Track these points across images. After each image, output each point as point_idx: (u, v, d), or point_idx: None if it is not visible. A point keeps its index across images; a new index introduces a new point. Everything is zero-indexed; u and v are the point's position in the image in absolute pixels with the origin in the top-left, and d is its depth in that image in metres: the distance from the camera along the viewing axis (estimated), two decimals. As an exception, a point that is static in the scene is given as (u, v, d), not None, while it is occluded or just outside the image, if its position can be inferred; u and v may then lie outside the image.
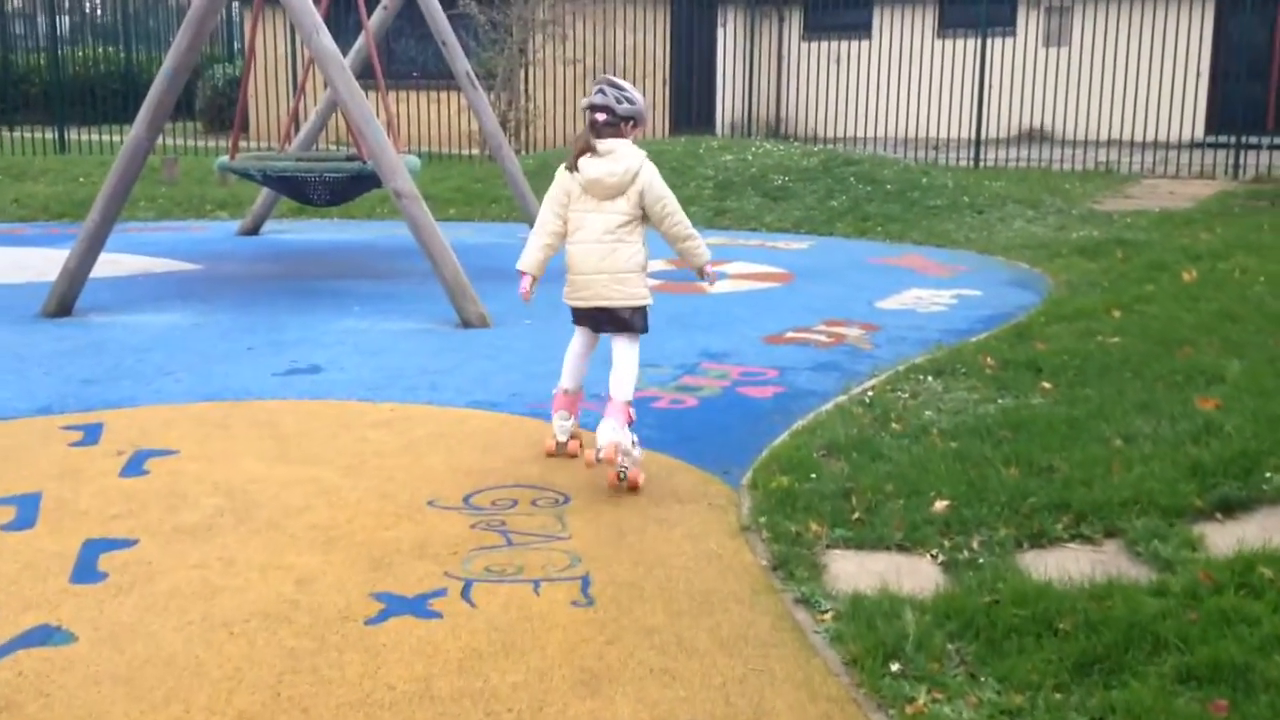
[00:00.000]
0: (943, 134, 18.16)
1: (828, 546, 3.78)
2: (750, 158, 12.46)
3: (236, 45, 26.37)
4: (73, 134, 16.95)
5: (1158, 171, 15.01)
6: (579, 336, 4.90)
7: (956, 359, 6.05)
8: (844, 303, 7.76)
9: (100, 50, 24.30)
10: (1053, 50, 20.31)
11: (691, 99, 21.17)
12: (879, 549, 3.76)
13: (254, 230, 10.78)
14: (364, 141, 7.17)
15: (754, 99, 21.23)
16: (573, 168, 4.58)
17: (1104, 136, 17.84)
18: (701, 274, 4.88)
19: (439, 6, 10.13)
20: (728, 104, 21.93)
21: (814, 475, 4.35)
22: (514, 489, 4.35)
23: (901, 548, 3.76)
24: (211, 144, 17.95)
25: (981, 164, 15.85)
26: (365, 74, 9.68)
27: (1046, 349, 6.12)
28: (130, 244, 10.20)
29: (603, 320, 4.73)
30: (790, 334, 6.91)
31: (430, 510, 4.12)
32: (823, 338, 6.81)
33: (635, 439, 4.47)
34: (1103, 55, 17.87)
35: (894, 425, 4.98)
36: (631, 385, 4.59)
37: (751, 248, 10.01)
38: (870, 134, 18.47)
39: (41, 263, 9.05)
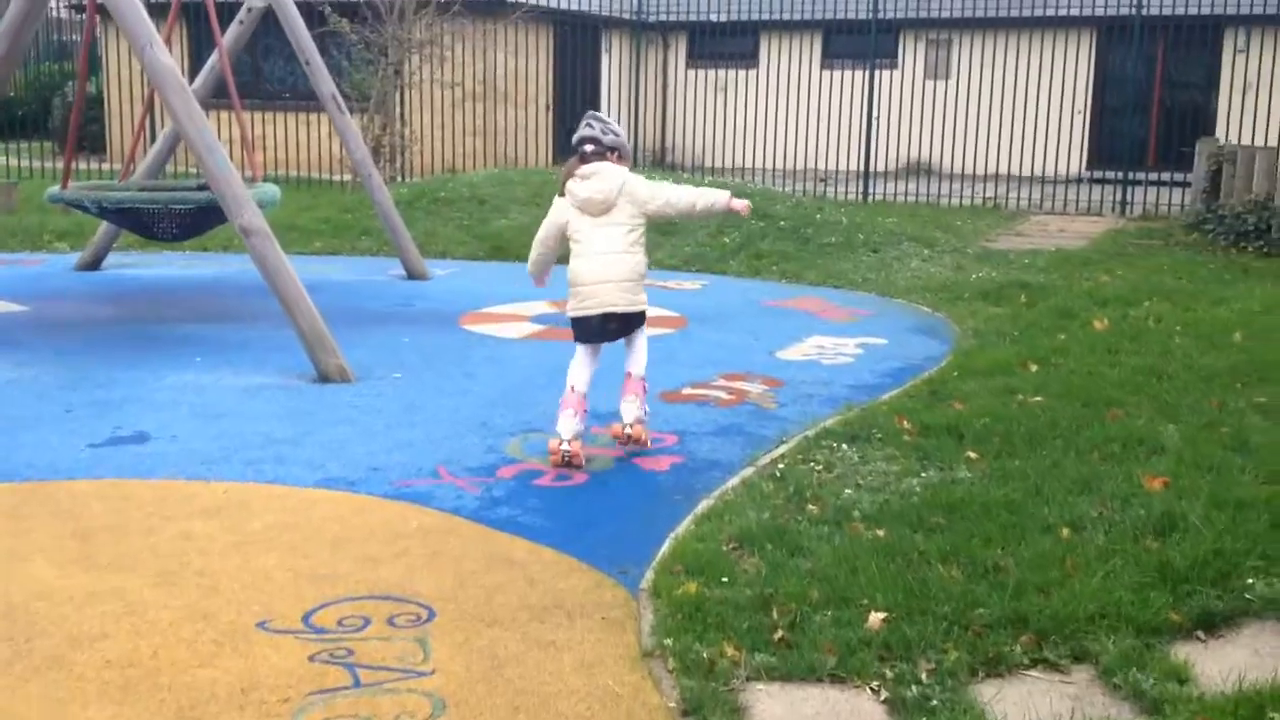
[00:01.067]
0: (830, 165, 17.90)
1: (748, 679, 3.13)
2: (638, 190, 11.84)
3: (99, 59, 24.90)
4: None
5: (1044, 207, 14.90)
6: (583, 355, 5.29)
7: (870, 421, 5.49)
8: (742, 353, 7.17)
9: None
10: (936, 83, 20.29)
11: (576, 126, 20.54)
12: (809, 681, 3.12)
13: (94, 265, 9.76)
14: (205, 170, 6.34)
15: (639, 127, 20.72)
16: (563, 193, 5.17)
17: (987, 171, 17.76)
18: (737, 209, 5.20)
19: (302, 23, 9.32)
20: (612, 131, 21.35)
21: (725, 578, 3.70)
22: (367, 601, 3.61)
23: (836, 678, 3.13)
24: (61, 165, 16.67)
25: (871, 198, 15.56)
26: (224, 93, 8.84)
27: (966, 410, 5.61)
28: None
29: (609, 327, 5.20)
30: (688, 390, 6.29)
31: (260, 635, 3.35)
32: (723, 394, 6.20)
33: (647, 409, 5.32)
34: (985, 89, 17.82)
35: (810, 507, 4.38)
36: (645, 364, 5.34)
37: (647, 286, 9.37)
38: (757, 164, 18.11)
39: None
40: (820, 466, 4.94)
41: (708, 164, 19.46)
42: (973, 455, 4.99)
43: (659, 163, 21.41)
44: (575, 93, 20.42)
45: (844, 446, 5.18)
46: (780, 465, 4.94)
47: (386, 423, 5.61)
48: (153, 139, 16.03)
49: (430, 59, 15.67)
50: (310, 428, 5.49)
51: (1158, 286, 8.82)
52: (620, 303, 5.11)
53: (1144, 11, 16.07)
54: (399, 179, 15.31)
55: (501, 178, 12.41)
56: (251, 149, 8.60)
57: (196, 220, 7.87)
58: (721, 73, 21.37)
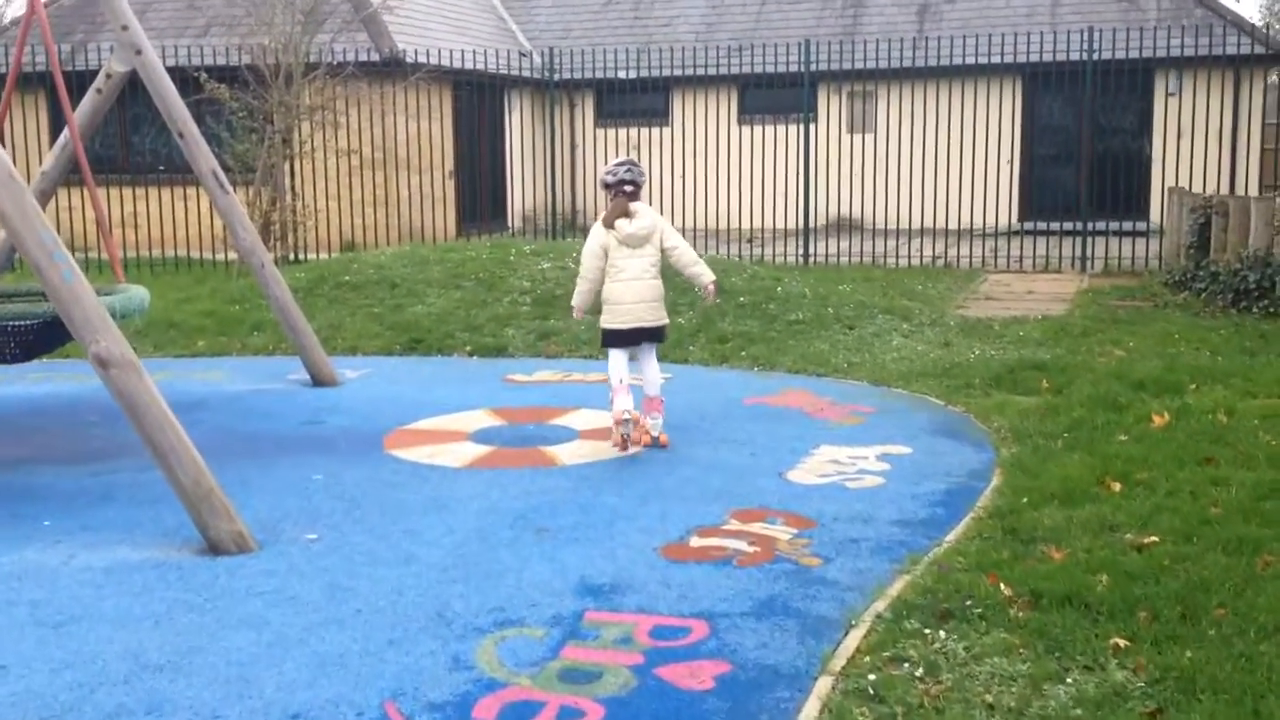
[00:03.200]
0: (754, 225, 16.80)
1: None
2: (570, 264, 10.46)
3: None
4: None
5: (995, 264, 13.92)
6: (621, 353, 6.43)
7: (955, 586, 4.16)
8: (745, 475, 5.79)
9: None
10: (858, 136, 19.40)
11: (479, 191, 19.15)
12: None
13: (-78, 385, 8.00)
14: (46, 285, 4.77)
15: (548, 189, 19.39)
16: (610, 226, 6.25)
17: (915, 225, 16.83)
18: (706, 291, 6.57)
19: (173, 90, 7.78)
20: (519, 195, 20.03)
21: None
22: None
23: None
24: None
25: (812, 259, 14.42)
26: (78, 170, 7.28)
27: (1069, 561, 4.33)
28: None
29: (632, 337, 6.35)
30: (696, 541, 4.88)
31: None
32: (744, 546, 4.80)
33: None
34: (909, 141, 16.94)
35: (945, 758, 3.00)
36: (659, 382, 6.49)
37: (596, 385, 7.97)
38: (675, 225, 16.90)
39: None
40: (921, 670, 3.58)
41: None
42: (1121, 643, 3.68)
43: (569, 225, 20.09)
44: (478, 156, 19.02)
45: (939, 633, 3.83)
46: (868, 674, 3.56)
47: (306, 622, 4.09)
48: None
49: (322, 125, 14.16)
50: (198, 640, 3.94)
51: (1189, 364, 7.71)
52: (649, 318, 6.38)
53: (1070, 56, 15.33)
54: (292, 257, 13.70)
55: (414, 256, 10.92)
56: (109, 240, 6.99)
57: (44, 337, 6.24)
58: (632, 131, 20.22)
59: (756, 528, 5.02)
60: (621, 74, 19.61)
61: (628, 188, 6.31)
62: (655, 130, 19.96)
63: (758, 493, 5.52)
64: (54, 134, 18.24)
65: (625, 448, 6.25)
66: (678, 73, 19.18)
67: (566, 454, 6.26)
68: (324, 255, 14.22)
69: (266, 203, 13.47)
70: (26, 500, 5.57)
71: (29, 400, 7.73)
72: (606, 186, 6.39)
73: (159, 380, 8.35)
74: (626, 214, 6.27)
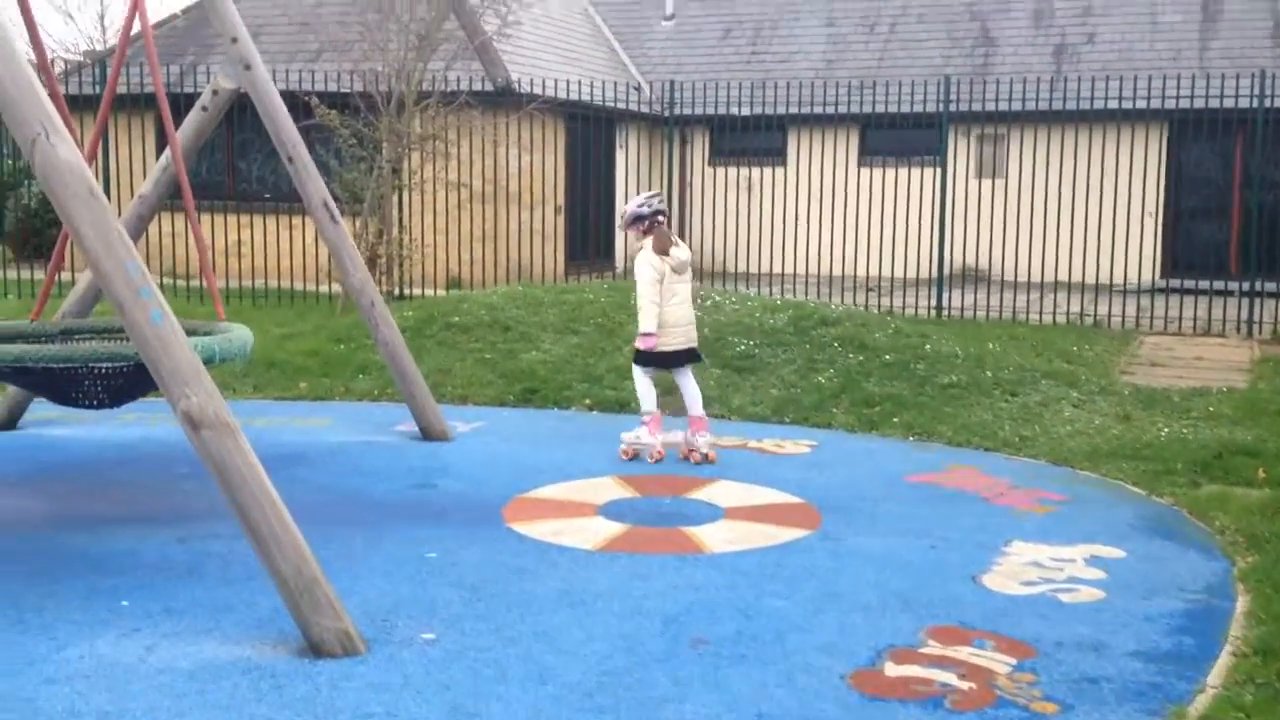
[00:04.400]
0: (875, 271, 15.86)
1: None
2: (696, 311, 9.64)
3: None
4: None
5: (1148, 325, 12.77)
6: (651, 376, 7.06)
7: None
8: (931, 577, 4.88)
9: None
10: (986, 182, 18.34)
11: (588, 229, 18.49)
12: None
13: (9, 423, 7.43)
14: (128, 326, 4.07)
15: (656, 229, 18.63)
16: (664, 254, 6.88)
17: (1047, 278, 15.72)
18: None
19: (285, 111, 7.16)
20: (626, 235, 19.30)
21: None
22: None
23: None
24: (12, 276, 14.41)
25: (945, 312, 13.43)
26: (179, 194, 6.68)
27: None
28: None
29: (682, 358, 7.03)
30: (891, 667, 3.98)
31: None
32: (953, 679, 3.89)
33: None
34: (1043, 188, 15.85)
35: None
36: (700, 399, 7.01)
37: (733, 450, 7.12)
38: (788, 270, 16.04)
39: None
40: None
41: (731, 268, 17.39)
42: None
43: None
44: (588, 193, 18.38)
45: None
46: None
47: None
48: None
49: (433, 155, 13.59)
50: (295, 788, 3.15)
51: None
52: (693, 339, 7.07)
53: (1224, 102, 14.15)
54: (398, 293, 13.10)
55: (526, 297, 10.19)
56: (209, 273, 6.34)
57: (138, 382, 5.57)
58: (746, 170, 19.42)
59: (963, 653, 4.11)
60: (737, 110, 18.89)
61: (660, 218, 6.96)
62: (771, 170, 19.10)
63: (952, 603, 4.60)
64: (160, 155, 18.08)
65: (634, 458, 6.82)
66: (796, 110, 18.38)
67: (714, 538, 5.40)
68: (429, 291, 13.62)
69: (373, 235, 12.91)
70: (106, 570, 4.88)
71: (117, 445, 7.09)
72: (640, 219, 6.93)
73: (258, 427, 7.73)
74: (674, 244, 6.93)
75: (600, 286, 10.77)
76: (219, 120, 7.32)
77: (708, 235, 19.06)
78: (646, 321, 6.78)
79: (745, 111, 18.72)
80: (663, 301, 6.78)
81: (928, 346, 8.99)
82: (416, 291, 13.41)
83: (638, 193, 18.87)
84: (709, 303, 9.86)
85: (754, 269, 16.62)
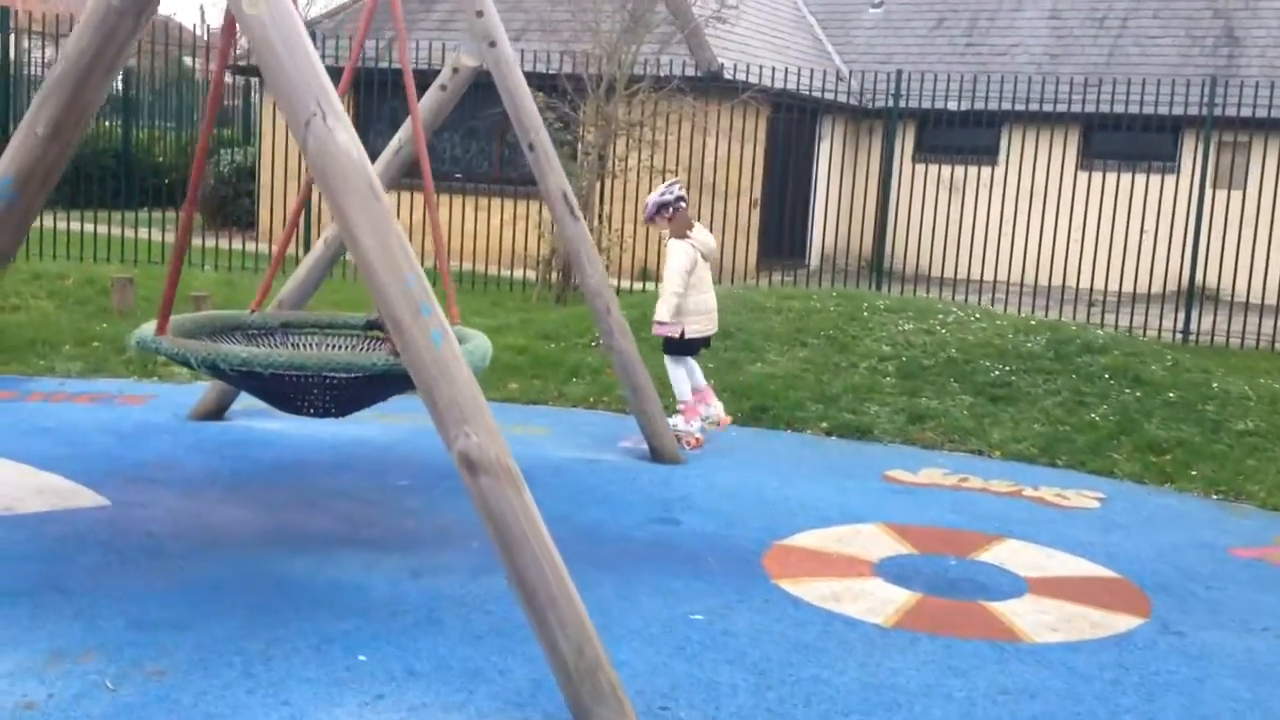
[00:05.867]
0: (1096, 285, 14.60)
1: None
2: (938, 328, 8.75)
3: (254, 124, 23.12)
4: (40, 220, 13.29)
5: None
6: (684, 365, 7.05)
7: None
8: (1324, 703, 3.94)
9: (95, 126, 20.97)
10: (1221, 192, 16.79)
11: (783, 225, 17.64)
12: None
13: (217, 412, 7.04)
14: (400, 336, 3.44)
15: (854, 228, 17.66)
16: (683, 237, 6.91)
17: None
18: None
19: (528, 94, 6.54)
20: (821, 232, 18.40)
21: None
22: None
23: None
24: (210, 244, 14.35)
25: (1196, 337, 12.15)
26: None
27: None
28: (24, 425, 6.47)
29: (707, 343, 7.17)
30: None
31: None
32: None
33: None
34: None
35: None
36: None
37: (1009, 499, 6.22)
38: (996, 277, 14.90)
39: None
40: None
41: (933, 272, 16.33)
42: None
43: (874, 268, 18.31)
44: (785, 186, 17.53)
45: None
46: None
47: None
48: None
49: (638, 143, 12.93)
50: None
51: None
52: (715, 324, 7.23)
53: None
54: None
55: (746, 301, 9.44)
56: (446, 268, 5.76)
57: (361, 392, 5.01)
58: (955, 168, 18.25)
59: None
60: (948, 105, 17.74)
61: (682, 204, 6.96)
62: (982, 169, 17.92)
63: (1371, 746, 3.65)
64: (363, 136, 17.88)
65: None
66: (1013, 107, 17.13)
67: (1028, 621, 4.54)
68: (621, 284, 12.99)
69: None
70: (336, 608, 4.31)
71: (330, 446, 6.59)
72: (664, 207, 6.91)
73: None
74: (690, 225, 6.96)
75: (827, 294, 9.92)
76: (457, 100, 6.75)
77: (909, 237, 17.99)
78: (666, 310, 6.84)
79: (958, 106, 17.59)
80: (693, 289, 6.87)
81: (1214, 385, 7.89)
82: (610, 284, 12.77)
83: (831, 191, 18.04)
84: (950, 319, 8.94)
85: (956, 274, 15.53)
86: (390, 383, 4.98)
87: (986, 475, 6.62)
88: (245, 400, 7.10)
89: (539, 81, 12.61)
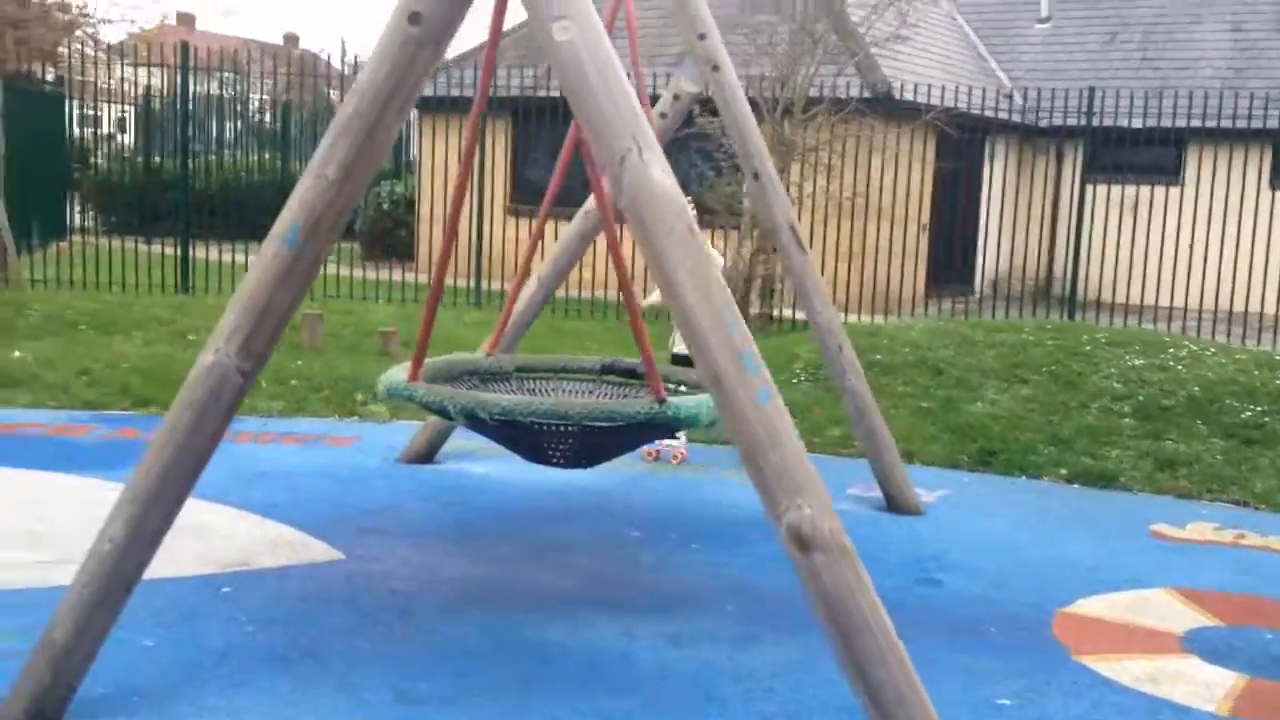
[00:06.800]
0: (1268, 310, 13.66)
1: None
2: (1172, 364, 8.11)
3: (406, 157, 23.40)
4: (205, 251, 13.50)
5: None
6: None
7: None
8: None
9: (256, 158, 21.45)
10: None
11: (952, 249, 17.00)
12: None
13: (427, 455, 6.81)
14: (718, 395, 3.08)
15: (1022, 251, 16.91)
16: None
17: None
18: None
19: (752, 121, 6.20)
20: (990, 256, 17.68)
21: None
22: None
23: None
24: (370, 275, 14.39)
25: None
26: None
27: None
28: (241, 469, 6.33)
29: None
30: None
31: None
32: None
33: None
34: None
35: None
36: None
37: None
38: (1175, 303, 14.00)
39: (62, 523, 5.22)
40: None
41: (1106, 298, 15.47)
42: None
43: (1044, 293, 17.50)
44: (953, 208, 16.89)
45: None
46: None
47: None
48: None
49: (814, 167, 12.52)
50: None
51: None
52: None
53: None
54: (778, 317, 12.11)
55: (953, 334, 8.93)
56: (635, 311, 5.36)
57: (622, 440, 4.69)
58: (1131, 189, 17.35)
59: None
60: (1125, 122, 16.90)
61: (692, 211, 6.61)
62: (1161, 190, 17.02)
63: None
64: (515, 165, 17.85)
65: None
66: (1196, 124, 16.22)
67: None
68: (785, 314, 12.54)
69: (749, 254, 11.96)
70: (606, 680, 3.97)
71: (550, 492, 6.28)
72: None
73: (687, 478, 6.89)
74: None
75: (1039, 326, 9.35)
76: (677, 126, 6.44)
77: (1080, 261, 17.18)
78: (652, 299, 6.85)
79: (1134, 124, 16.74)
80: None
81: None
82: (787, 322, 12.36)
83: (999, 213, 17.29)
84: (1183, 353, 8.28)
85: (1132, 299, 14.68)
86: (649, 432, 4.66)
87: (1262, 530, 6.00)
88: (454, 442, 6.90)
89: (712, 106, 12.33)
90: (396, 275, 14.45)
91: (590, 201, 6.68)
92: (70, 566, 4.82)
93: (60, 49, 13.77)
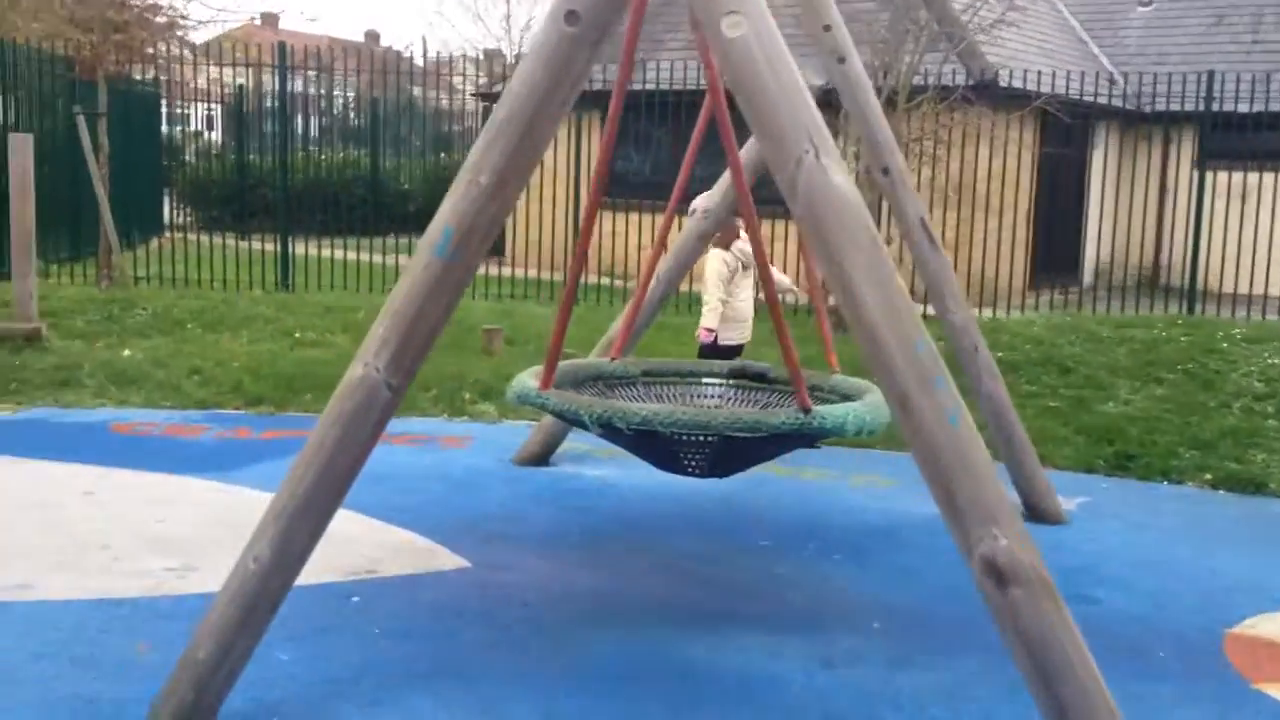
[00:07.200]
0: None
1: None
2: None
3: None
4: (303, 247, 13.55)
5: None
6: None
7: None
8: None
9: (345, 155, 21.59)
10: None
11: (1054, 239, 16.51)
12: None
13: (542, 457, 6.68)
14: (903, 414, 2.87)
15: (1127, 240, 16.35)
16: (727, 248, 6.88)
17: None
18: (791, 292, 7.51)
19: (880, 114, 5.95)
20: (1094, 246, 17.15)
21: None
22: None
23: None
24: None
25: None
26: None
27: None
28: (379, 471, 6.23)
29: (739, 351, 6.94)
30: None
31: None
32: None
33: None
34: None
35: None
36: None
37: None
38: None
39: (181, 528, 5.17)
40: None
41: (1214, 287, 14.87)
42: None
43: (1151, 283, 16.92)
44: (1056, 198, 16.40)
45: None
46: None
47: None
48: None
49: (918, 157, 12.18)
50: None
51: None
52: (749, 334, 7.20)
53: None
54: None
55: (1078, 329, 8.58)
56: (824, 316, 5.20)
57: (761, 451, 4.49)
58: (1244, 175, 16.69)
59: None
60: (1238, 107, 16.26)
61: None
62: (1275, 176, 16.37)
63: None
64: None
65: None
66: (1319, 107, 15.54)
67: None
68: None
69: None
70: (759, 707, 3.78)
71: (671, 497, 6.09)
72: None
73: (806, 479, 6.67)
74: (737, 235, 6.85)
75: (1170, 321, 8.96)
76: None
77: (1189, 250, 16.58)
78: (711, 317, 6.88)
79: (1247, 108, 16.10)
80: (731, 297, 6.89)
81: None
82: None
83: (1103, 202, 16.71)
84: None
85: (1247, 289, 14.08)
86: (791, 442, 4.46)
87: None
88: (566, 444, 6.76)
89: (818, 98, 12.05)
90: (485, 270, 14.37)
91: (703, 200, 6.54)
92: (198, 575, 4.79)
93: (160, 48, 13.91)
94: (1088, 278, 17.12)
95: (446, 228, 3.07)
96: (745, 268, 6.98)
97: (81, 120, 11.37)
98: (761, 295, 5.61)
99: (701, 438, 4.31)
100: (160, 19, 13.40)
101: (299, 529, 3.25)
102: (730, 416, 4.29)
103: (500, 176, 3.05)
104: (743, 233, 6.82)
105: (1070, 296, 14.83)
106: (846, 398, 5.00)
